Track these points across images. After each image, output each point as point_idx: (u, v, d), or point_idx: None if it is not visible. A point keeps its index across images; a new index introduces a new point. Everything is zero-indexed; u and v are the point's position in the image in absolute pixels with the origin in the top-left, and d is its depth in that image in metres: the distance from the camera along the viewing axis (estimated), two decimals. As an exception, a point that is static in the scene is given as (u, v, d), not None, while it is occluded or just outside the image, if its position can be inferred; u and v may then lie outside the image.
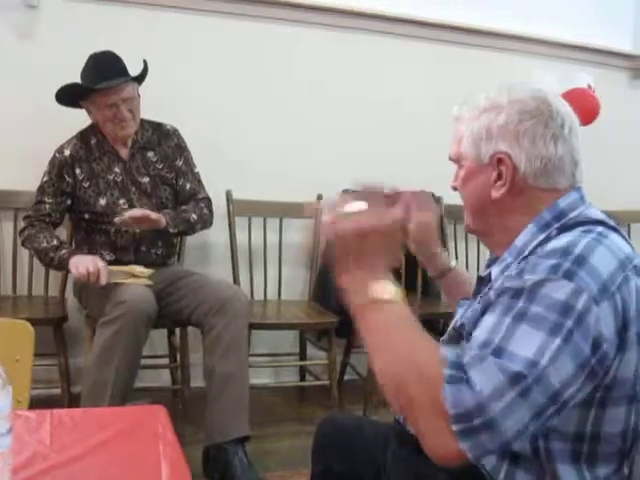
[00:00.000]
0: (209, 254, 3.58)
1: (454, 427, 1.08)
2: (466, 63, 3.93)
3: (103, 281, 2.70)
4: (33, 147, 3.18)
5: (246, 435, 2.69)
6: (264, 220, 3.55)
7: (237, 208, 3.47)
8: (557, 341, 1.10)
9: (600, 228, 1.25)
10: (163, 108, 3.12)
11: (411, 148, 3.81)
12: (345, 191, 1.27)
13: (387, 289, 1.20)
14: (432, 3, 3.80)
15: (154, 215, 2.82)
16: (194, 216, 3.04)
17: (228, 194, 3.45)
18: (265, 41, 3.60)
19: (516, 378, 1.08)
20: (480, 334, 1.16)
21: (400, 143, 3.81)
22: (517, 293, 1.17)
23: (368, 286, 1.20)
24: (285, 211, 3.56)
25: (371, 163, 3.72)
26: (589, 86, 3.97)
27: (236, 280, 3.42)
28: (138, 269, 2.87)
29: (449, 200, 3.71)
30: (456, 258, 3.88)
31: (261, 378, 3.46)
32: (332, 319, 3.25)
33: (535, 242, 1.29)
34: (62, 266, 2.86)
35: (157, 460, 1.24)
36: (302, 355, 3.70)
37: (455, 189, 1.45)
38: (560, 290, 1.13)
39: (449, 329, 1.47)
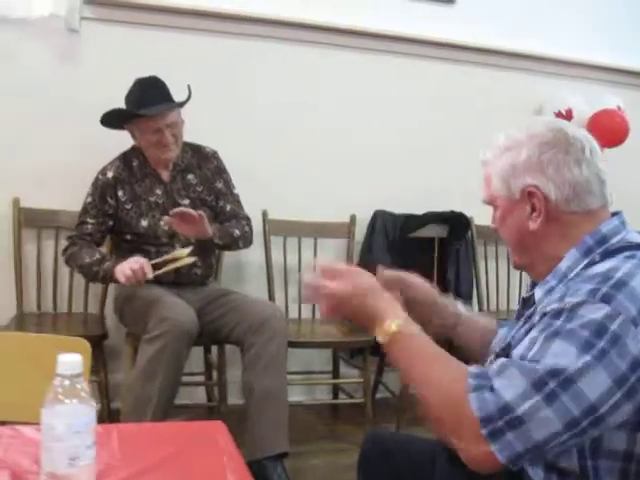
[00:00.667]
0: (245, 273, 3.65)
1: (483, 431, 1.16)
2: (495, 85, 3.99)
3: (149, 275, 2.76)
4: (74, 168, 3.26)
5: (285, 451, 2.73)
6: (299, 240, 3.60)
7: (272, 228, 3.55)
8: (587, 357, 1.15)
9: None
10: (200, 130, 3.17)
11: (441, 170, 3.88)
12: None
13: (384, 330, 1.33)
14: (465, 29, 3.87)
15: (193, 212, 2.84)
16: (237, 232, 3.10)
17: (264, 214, 3.52)
18: (299, 65, 3.68)
19: (539, 382, 1.15)
20: (517, 350, 1.25)
21: (430, 165, 3.88)
22: (557, 314, 1.23)
23: (376, 331, 1.35)
24: (319, 231, 3.64)
25: (402, 184, 3.81)
26: (618, 107, 4.01)
27: (271, 298, 3.48)
28: (177, 252, 2.92)
29: (479, 221, 3.77)
30: (486, 277, 3.92)
31: (295, 396, 3.47)
32: (367, 338, 3.29)
33: (579, 267, 1.34)
34: (108, 277, 2.90)
35: (223, 472, 1.29)
36: (335, 373, 3.74)
37: (496, 231, 1.51)
38: (596, 312, 1.18)
39: (494, 350, 1.52)
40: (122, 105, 2.95)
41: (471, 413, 1.17)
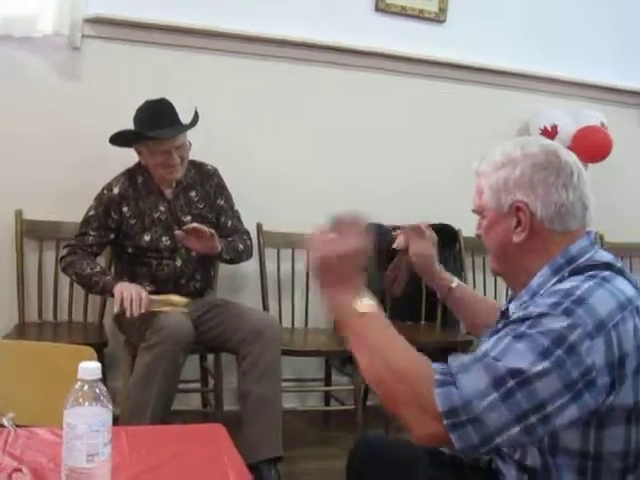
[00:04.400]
0: (240, 283, 3.74)
1: (445, 421, 1.26)
2: (482, 102, 4.11)
3: (142, 309, 2.83)
4: (75, 181, 3.39)
5: (279, 455, 2.84)
6: (292, 251, 3.71)
7: (267, 240, 3.66)
8: (545, 363, 1.26)
9: (606, 272, 1.41)
10: (197, 146, 3.19)
11: (429, 184, 3.99)
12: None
13: (364, 304, 1.40)
14: (453, 47, 4.01)
15: (205, 229, 2.93)
16: (241, 246, 3.22)
17: (258, 227, 3.63)
18: (292, 82, 3.79)
19: (500, 381, 1.26)
20: (482, 346, 1.35)
21: (419, 179, 3.99)
22: (522, 320, 1.34)
23: (348, 302, 1.41)
24: (312, 243, 3.73)
25: (393, 198, 3.91)
26: (602, 124, 4.14)
27: (265, 308, 3.59)
28: (176, 299, 3.00)
29: (467, 233, 3.89)
30: (473, 287, 4.03)
31: (288, 402, 3.52)
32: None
33: (549, 284, 1.46)
34: (106, 290, 2.99)
35: (225, 471, 1.41)
36: (327, 381, 3.84)
37: (479, 237, 1.63)
38: (558, 323, 1.29)
39: None
40: (124, 122, 3.04)
41: (435, 405, 1.26)
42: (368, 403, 3.84)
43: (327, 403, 3.90)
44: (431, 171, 4.00)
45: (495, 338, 1.34)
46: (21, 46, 3.31)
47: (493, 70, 4.11)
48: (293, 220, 3.68)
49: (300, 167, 3.82)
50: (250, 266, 3.57)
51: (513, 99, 4.19)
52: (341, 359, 3.79)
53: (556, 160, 1.49)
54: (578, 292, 1.34)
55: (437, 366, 1.33)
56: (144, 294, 2.87)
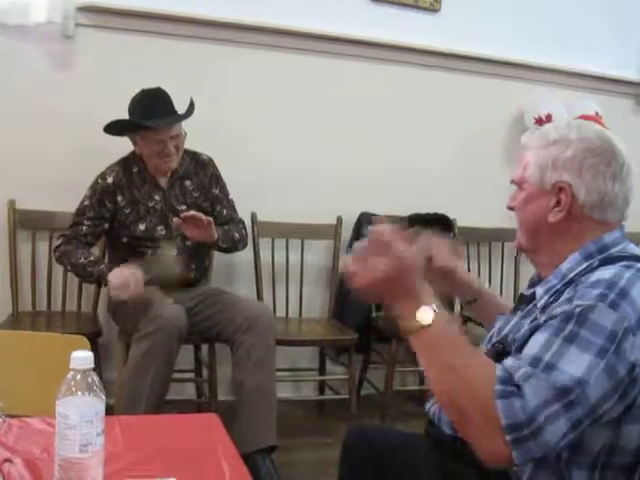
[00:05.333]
0: (235, 273, 3.74)
1: (507, 437, 1.22)
2: (477, 92, 4.09)
3: (137, 291, 2.81)
4: (68, 171, 3.36)
5: (274, 445, 2.83)
6: (286, 241, 3.71)
7: (261, 230, 3.65)
8: (602, 364, 1.24)
9: (639, 264, 1.40)
10: (192, 136, 3.18)
11: (425, 173, 3.97)
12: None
13: (427, 315, 1.33)
14: (448, 36, 3.98)
15: (203, 216, 2.93)
16: (237, 235, 3.22)
17: (253, 216, 3.62)
18: (287, 71, 3.77)
19: (563, 392, 1.23)
20: (530, 350, 1.30)
21: (414, 168, 3.97)
22: (567, 317, 1.30)
23: (410, 315, 1.33)
24: (306, 233, 3.74)
25: (389, 188, 3.91)
26: (597, 113, 4.13)
27: (260, 298, 3.59)
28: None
29: (462, 222, 3.88)
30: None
31: (282, 392, 3.54)
32: (352, 336, 3.41)
33: (578, 269, 1.44)
34: (100, 279, 2.97)
35: (218, 460, 1.41)
36: (321, 370, 3.85)
37: (511, 209, 1.60)
38: (606, 318, 1.27)
39: (490, 340, 1.59)
40: (117, 111, 3.03)
41: (498, 418, 1.22)
42: (362, 392, 3.86)
43: (322, 392, 3.91)
44: (425, 161, 3.98)
45: (543, 340, 1.30)
46: (13, 34, 3.28)
47: (487, 59, 4.09)
48: (287, 210, 3.69)
49: (295, 157, 3.80)
50: (244, 256, 3.56)
51: (508, 88, 4.17)
52: (335, 348, 3.80)
53: (610, 148, 1.48)
54: (621, 283, 1.33)
55: (499, 373, 1.27)
56: (139, 275, 2.84)
